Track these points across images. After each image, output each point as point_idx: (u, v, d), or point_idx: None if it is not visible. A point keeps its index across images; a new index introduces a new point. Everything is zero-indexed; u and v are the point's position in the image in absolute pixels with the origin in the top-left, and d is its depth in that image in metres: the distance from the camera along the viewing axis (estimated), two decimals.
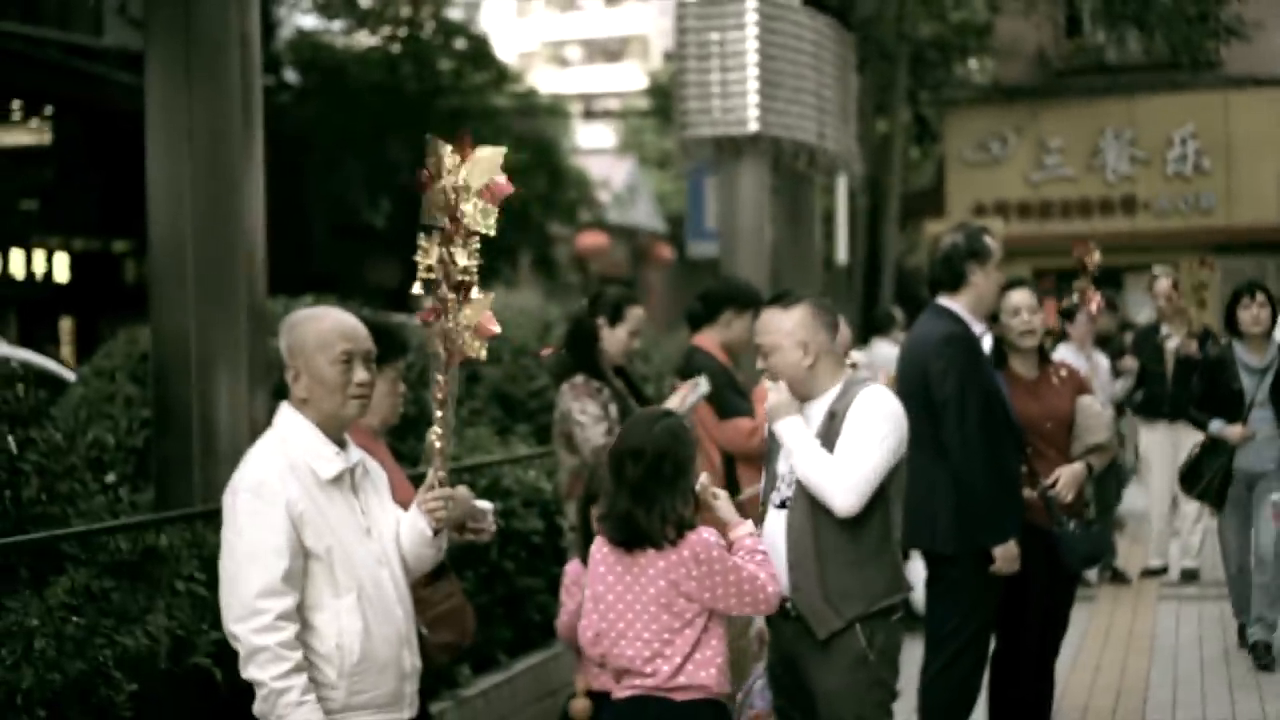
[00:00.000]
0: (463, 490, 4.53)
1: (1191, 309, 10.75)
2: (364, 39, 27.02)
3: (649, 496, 4.39)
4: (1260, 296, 8.58)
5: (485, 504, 4.88)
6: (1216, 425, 8.61)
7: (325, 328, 4.08)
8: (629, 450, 4.47)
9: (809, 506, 4.86)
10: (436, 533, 4.19)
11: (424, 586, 4.60)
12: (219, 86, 6.73)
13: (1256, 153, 24.01)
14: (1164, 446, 11.48)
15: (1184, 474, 8.95)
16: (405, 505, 4.32)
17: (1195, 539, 11.51)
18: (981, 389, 5.96)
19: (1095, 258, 8.18)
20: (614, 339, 6.59)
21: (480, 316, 4.14)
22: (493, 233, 4.14)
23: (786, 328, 4.96)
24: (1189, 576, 11.40)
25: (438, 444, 4.14)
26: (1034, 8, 22.05)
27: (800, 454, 4.84)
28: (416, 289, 4.19)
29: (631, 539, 4.41)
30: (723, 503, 4.64)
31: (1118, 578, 11.39)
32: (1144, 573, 11.69)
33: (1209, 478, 8.69)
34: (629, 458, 4.45)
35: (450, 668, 6.65)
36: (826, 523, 4.84)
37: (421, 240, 4.12)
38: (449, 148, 4.15)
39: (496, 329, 4.19)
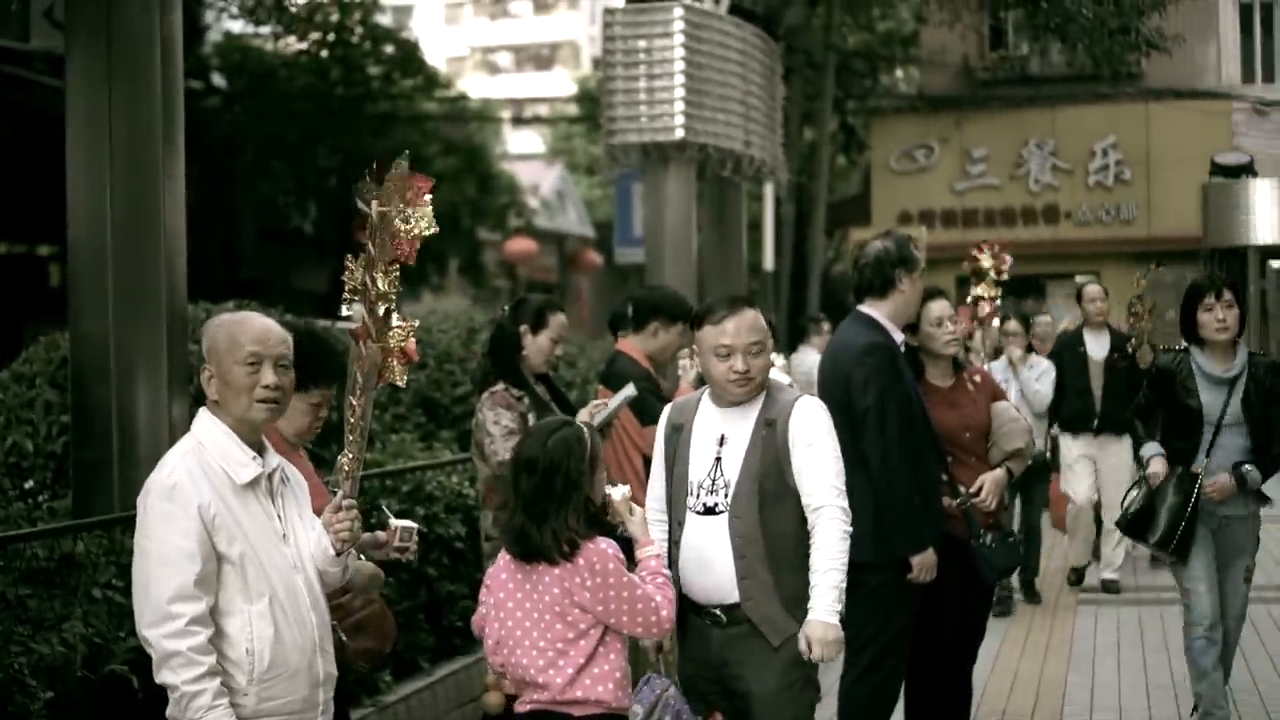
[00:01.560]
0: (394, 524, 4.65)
1: (1146, 319, 10.37)
2: (293, 44, 26.89)
3: (540, 511, 4.38)
4: (1227, 295, 6.91)
5: (410, 524, 4.89)
6: (1150, 450, 7.07)
7: (236, 330, 4.07)
8: (524, 462, 4.46)
9: (757, 516, 4.87)
10: (340, 553, 4.19)
11: (343, 593, 4.60)
12: (140, 90, 6.69)
13: (1176, 164, 24.35)
14: (1087, 457, 11.36)
15: (1132, 520, 7.12)
16: (320, 513, 4.32)
17: (1119, 552, 11.37)
18: (902, 398, 6.00)
19: (990, 261, 8.12)
20: (536, 346, 6.57)
21: (403, 342, 4.15)
22: (432, 229, 4.15)
23: (765, 328, 5.04)
24: (1110, 588, 11.29)
25: (346, 467, 4.14)
26: (959, 19, 22.26)
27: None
28: (344, 309, 4.20)
29: (526, 552, 4.42)
30: (638, 519, 4.66)
31: (1032, 596, 11.08)
32: (1071, 571, 11.72)
33: (1169, 525, 6.92)
34: (524, 470, 4.45)
35: (371, 674, 6.64)
36: (776, 532, 4.87)
37: (349, 261, 4.13)
38: (383, 176, 4.13)
39: (416, 357, 4.20)
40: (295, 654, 4.01)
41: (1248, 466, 6.86)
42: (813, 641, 4.78)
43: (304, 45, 26.81)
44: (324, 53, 26.80)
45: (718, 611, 4.90)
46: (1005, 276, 8.96)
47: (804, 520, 4.90)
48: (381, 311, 4.09)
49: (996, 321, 9.76)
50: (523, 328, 6.55)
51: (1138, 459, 7.41)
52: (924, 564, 5.92)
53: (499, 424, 6.29)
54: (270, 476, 4.11)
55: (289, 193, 27.32)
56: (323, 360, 4.82)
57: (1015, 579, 10.69)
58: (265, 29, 27.01)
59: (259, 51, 27.52)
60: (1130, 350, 10.01)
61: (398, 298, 4.13)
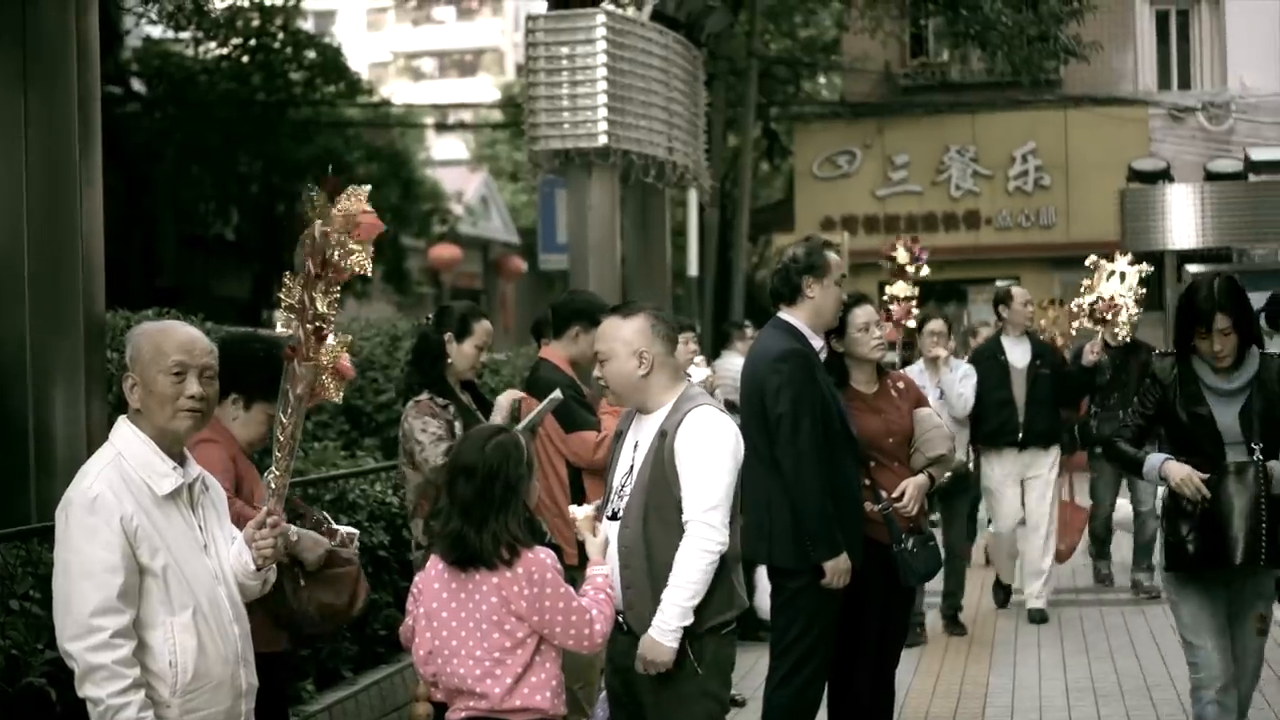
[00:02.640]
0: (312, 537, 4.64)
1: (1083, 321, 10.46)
2: (213, 49, 26.68)
3: (480, 516, 4.36)
4: (1221, 323, 5.70)
5: (350, 529, 4.88)
6: (1158, 457, 5.84)
7: (161, 339, 4.03)
8: (461, 468, 4.44)
9: (642, 525, 4.86)
10: (260, 568, 4.17)
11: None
12: (56, 95, 6.62)
13: (1094, 170, 24.67)
14: (1012, 478, 10.50)
15: (1176, 549, 5.82)
16: (243, 521, 4.30)
17: (1048, 585, 10.58)
18: (817, 404, 6.01)
19: (906, 255, 8.01)
20: (461, 354, 6.55)
21: (336, 359, 4.14)
22: (367, 271, 4.16)
23: (624, 336, 4.97)
24: (1037, 618, 10.40)
25: (273, 484, 4.12)
26: (880, 26, 22.40)
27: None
28: (278, 326, 4.19)
29: (463, 558, 4.39)
30: (599, 541, 4.67)
31: (956, 627, 10.17)
32: (997, 589, 11.06)
33: (1250, 530, 5.64)
34: (461, 476, 4.42)
35: (294, 684, 6.58)
36: (660, 542, 4.85)
37: (287, 278, 4.11)
38: (324, 191, 4.12)
39: (351, 374, 4.20)
40: (218, 665, 3.99)
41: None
42: (639, 658, 4.79)
43: (225, 51, 26.61)
44: (245, 58, 26.62)
45: (620, 617, 4.88)
46: (924, 272, 8.99)
47: None
48: (318, 329, 4.08)
49: (912, 323, 9.74)
50: (447, 335, 6.53)
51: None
52: (836, 570, 5.94)
53: (427, 431, 6.26)
54: (190, 487, 4.08)
55: (210, 199, 27.12)
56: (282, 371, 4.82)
57: (923, 604, 9.70)
58: (185, 34, 26.79)
59: (179, 57, 27.29)
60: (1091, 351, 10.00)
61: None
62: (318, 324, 4.08)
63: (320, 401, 4.22)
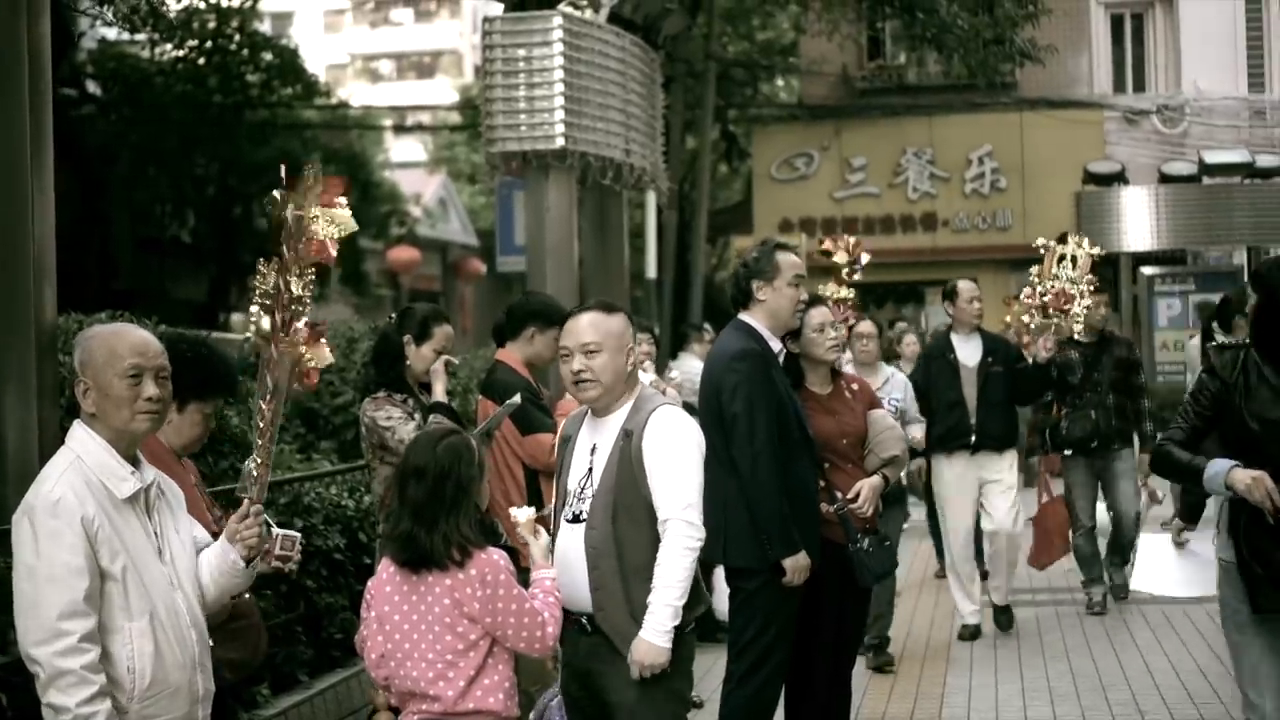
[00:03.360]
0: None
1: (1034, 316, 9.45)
2: (169, 51, 26.55)
3: (431, 517, 4.37)
4: None
5: (292, 532, 4.86)
6: (1222, 464, 5.00)
7: (115, 342, 4.02)
8: (412, 469, 4.44)
9: (611, 527, 4.86)
10: (249, 563, 4.16)
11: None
12: (8, 102, 6.58)
13: (1050, 172, 24.81)
14: (967, 483, 9.86)
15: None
16: (203, 529, 4.29)
17: (1009, 582, 10.15)
18: (773, 404, 6.04)
19: (844, 256, 7.78)
20: (419, 357, 6.55)
21: (316, 349, 4.15)
22: (351, 227, 4.18)
23: (614, 329, 4.97)
24: (1003, 622, 10.06)
25: (255, 472, 4.12)
26: (837, 29, 22.48)
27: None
28: (252, 313, 4.20)
29: (415, 559, 4.39)
30: (541, 545, 4.67)
31: (881, 655, 9.13)
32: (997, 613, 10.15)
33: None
34: (412, 477, 4.43)
35: (248, 688, 6.56)
36: (631, 542, 4.86)
37: (261, 265, 4.11)
38: (306, 175, 4.13)
39: (330, 358, 4.23)
40: (176, 672, 3.97)
41: None
42: (635, 662, 4.79)
43: (181, 53, 26.49)
44: (201, 60, 26.51)
45: (583, 620, 4.91)
46: (856, 276, 8.75)
47: (658, 532, 4.87)
48: (293, 314, 4.09)
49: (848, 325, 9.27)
50: (407, 338, 6.54)
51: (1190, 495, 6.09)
52: (795, 567, 5.96)
53: (391, 416, 6.29)
54: (147, 491, 4.07)
55: (166, 202, 26.98)
56: (215, 371, 4.81)
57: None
58: (141, 36, 26.65)
59: (135, 59, 27.17)
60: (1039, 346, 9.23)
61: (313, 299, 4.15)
62: (294, 308, 4.09)
63: (305, 388, 4.22)
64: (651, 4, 14.72)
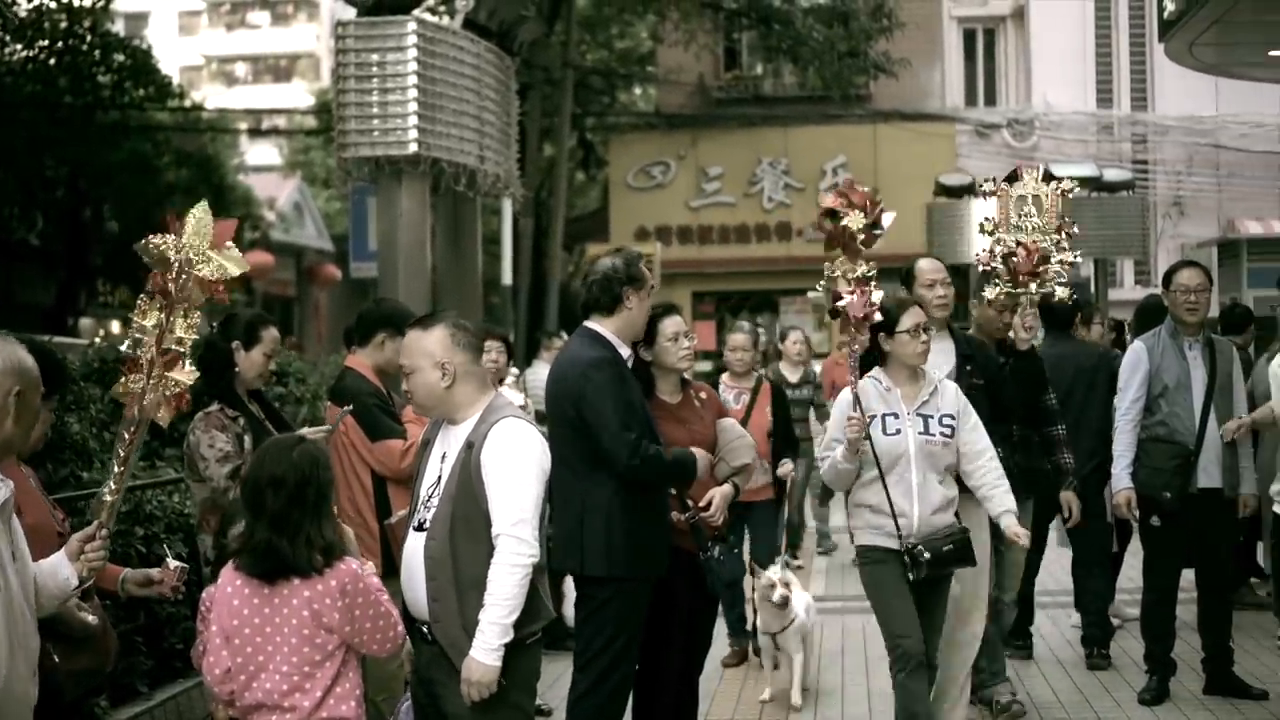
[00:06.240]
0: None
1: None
2: (19, 50, 25.97)
3: (293, 524, 4.32)
4: None
5: (177, 563, 4.86)
6: None
7: None
8: (268, 480, 4.38)
9: (448, 537, 4.84)
10: (84, 583, 4.15)
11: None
12: None
13: (903, 183, 25.10)
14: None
15: None
16: (37, 529, 4.23)
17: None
18: (632, 409, 6.06)
19: (858, 217, 5.90)
20: (250, 362, 6.47)
21: (180, 373, 4.14)
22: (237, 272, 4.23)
23: (425, 348, 4.96)
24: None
25: (109, 498, 4.12)
26: (694, 39, 22.63)
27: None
28: (125, 346, 4.24)
29: (274, 570, 4.33)
30: (351, 536, 4.64)
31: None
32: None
33: None
34: (269, 487, 4.36)
35: (86, 698, 6.42)
36: (467, 555, 4.82)
37: (141, 300, 4.07)
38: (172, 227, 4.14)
39: (187, 407, 4.30)
40: (17, 682, 3.89)
41: None
42: (464, 680, 4.75)
43: (30, 53, 25.92)
44: (52, 60, 25.96)
45: (424, 628, 4.89)
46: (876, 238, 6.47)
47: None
48: (171, 354, 4.10)
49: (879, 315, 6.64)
50: (235, 344, 6.46)
51: None
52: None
53: (214, 447, 6.21)
54: (8, 502, 3.98)
55: (14, 203, 26.41)
56: (52, 374, 4.71)
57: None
58: None
59: None
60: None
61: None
62: (175, 349, 4.13)
63: (177, 412, 4.28)
64: (508, 11, 14.73)
